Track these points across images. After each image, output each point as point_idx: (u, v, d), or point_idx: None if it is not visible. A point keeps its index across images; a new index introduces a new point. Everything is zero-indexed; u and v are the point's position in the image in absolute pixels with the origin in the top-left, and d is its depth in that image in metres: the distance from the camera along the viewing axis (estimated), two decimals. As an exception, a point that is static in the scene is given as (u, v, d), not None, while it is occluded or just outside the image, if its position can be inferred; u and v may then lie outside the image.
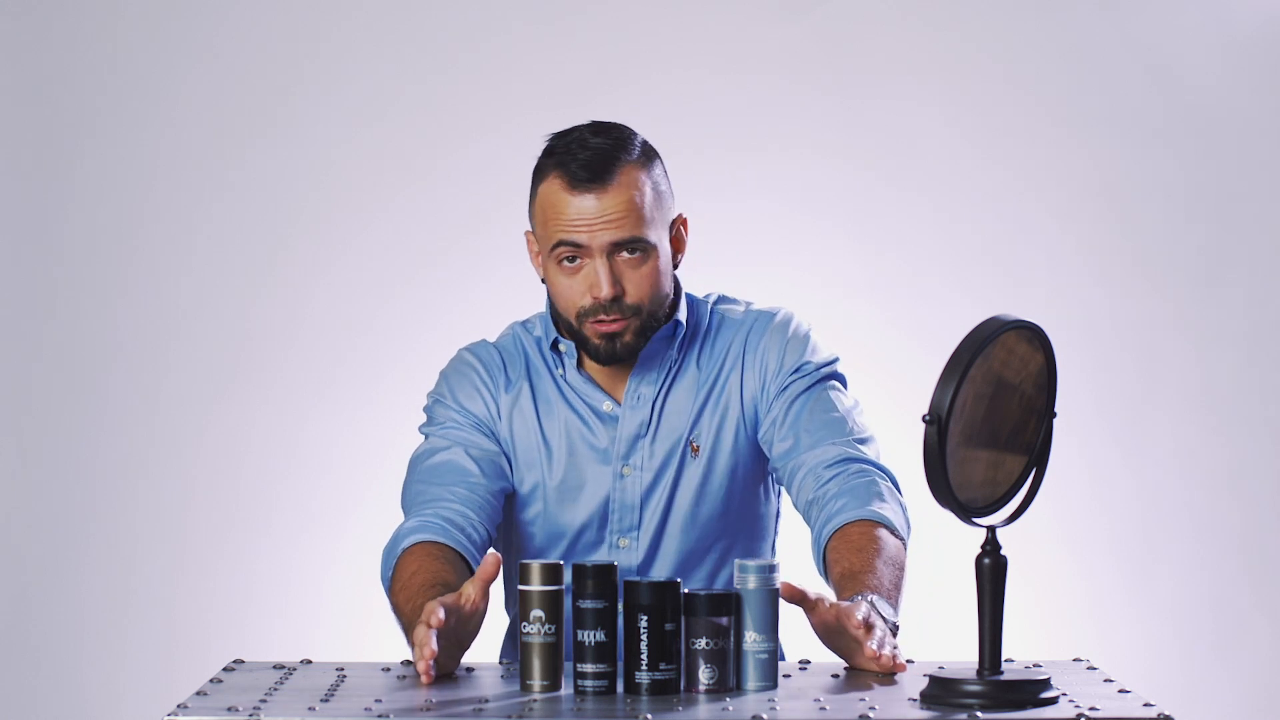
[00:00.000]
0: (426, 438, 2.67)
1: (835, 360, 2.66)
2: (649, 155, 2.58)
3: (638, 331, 2.57)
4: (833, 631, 2.24)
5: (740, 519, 2.66)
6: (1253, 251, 4.35)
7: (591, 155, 2.53)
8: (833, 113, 4.33)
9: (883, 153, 4.33)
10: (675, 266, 2.63)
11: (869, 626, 2.21)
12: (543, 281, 2.63)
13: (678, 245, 2.62)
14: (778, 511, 2.73)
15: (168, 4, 4.31)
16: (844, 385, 2.66)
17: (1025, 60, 4.33)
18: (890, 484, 2.53)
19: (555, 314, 2.62)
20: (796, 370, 2.62)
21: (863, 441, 2.58)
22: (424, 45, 4.33)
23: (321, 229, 4.33)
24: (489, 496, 2.58)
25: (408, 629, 2.36)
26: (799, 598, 2.20)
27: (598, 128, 2.57)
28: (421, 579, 2.40)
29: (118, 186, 4.32)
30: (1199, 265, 4.34)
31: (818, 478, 2.53)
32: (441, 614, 2.17)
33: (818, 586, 2.36)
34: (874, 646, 2.20)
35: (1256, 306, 4.34)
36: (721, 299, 2.71)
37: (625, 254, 2.54)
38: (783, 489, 2.70)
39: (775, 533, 2.73)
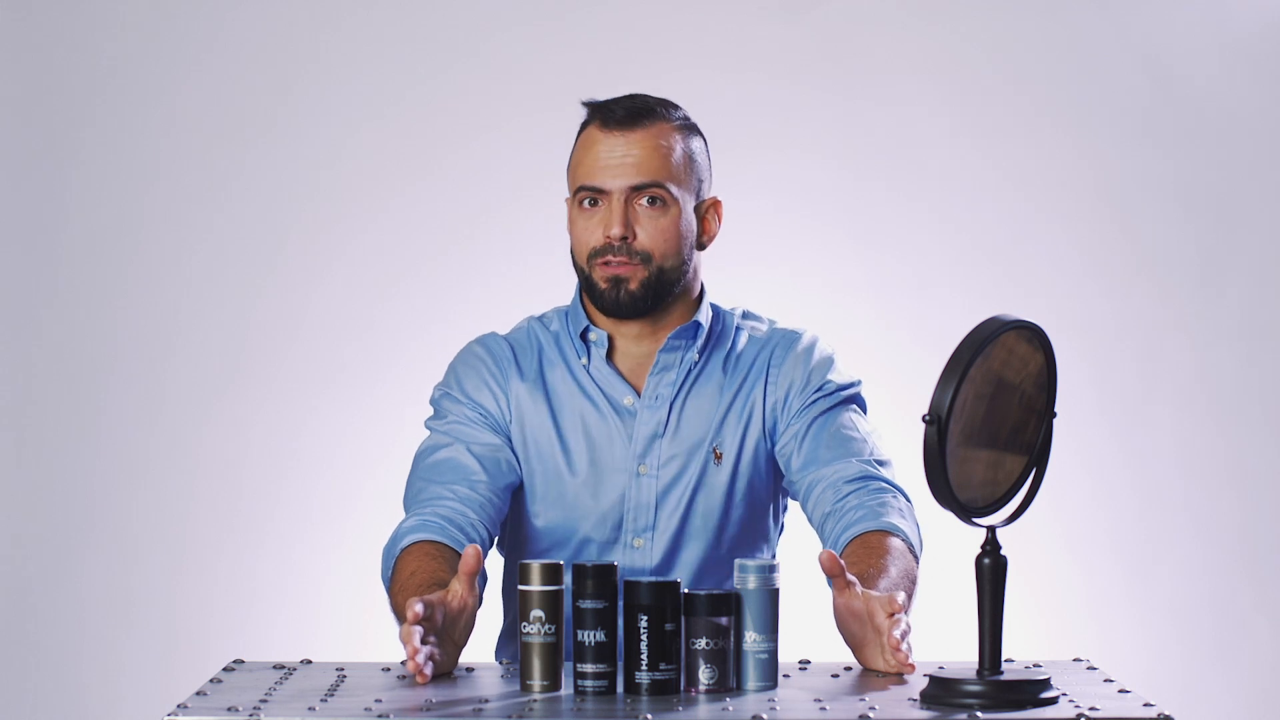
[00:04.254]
0: (431, 433, 2.66)
1: (858, 384, 2.67)
2: (690, 127, 2.64)
3: (645, 283, 2.57)
4: (853, 617, 2.24)
5: (754, 530, 2.67)
6: (1252, 251, 4.35)
7: (632, 103, 2.61)
8: (833, 113, 4.33)
9: (882, 152, 4.33)
10: (702, 248, 2.64)
11: (897, 619, 2.21)
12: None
13: (707, 227, 2.64)
14: (781, 526, 2.74)
15: (167, 4, 4.31)
16: (864, 410, 2.67)
17: (1025, 60, 4.33)
18: (906, 504, 2.55)
19: (575, 269, 2.62)
20: (819, 390, 2.63)
21: (882, 463, 2.60)
22: (424, 45, 4.33)
23: (321, 229, 4.33)
24: (490, 495, 2.58)
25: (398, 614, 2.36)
26: (837, 571, 2.21)
27: (649, 95, 2.64)
28: (420, 579, 2.39)
29: (118, 187, 4.32)
30: (1199, 265, 4.35)
31: (837, 491, 2.54)
32: (419, 608, 2.17)
33: (825, 594, 2.36)
34: (897, 635, 2.20)
35: (1256, 306, 4.35)
36: (746, 314, 2.72)
37: (644, 203, 2.56)
38: (793, 503, 2.71)
39: (775, 552, 2.74)
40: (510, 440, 2.64)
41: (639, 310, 2.59)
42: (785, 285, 4.25)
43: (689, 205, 2.60)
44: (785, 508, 2.73)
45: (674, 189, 2.57)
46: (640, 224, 2.56)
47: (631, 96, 2.62)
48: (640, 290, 2.58)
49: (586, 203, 2.58)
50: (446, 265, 4.32)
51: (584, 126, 2.63)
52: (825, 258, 4.33)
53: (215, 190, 4.32)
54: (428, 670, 2.18)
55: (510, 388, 2.65)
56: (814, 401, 2.62)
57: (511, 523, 2.68)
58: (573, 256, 2.62)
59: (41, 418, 4.32)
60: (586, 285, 2.60)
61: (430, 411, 2.69)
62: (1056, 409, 2.08)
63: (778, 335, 2.68)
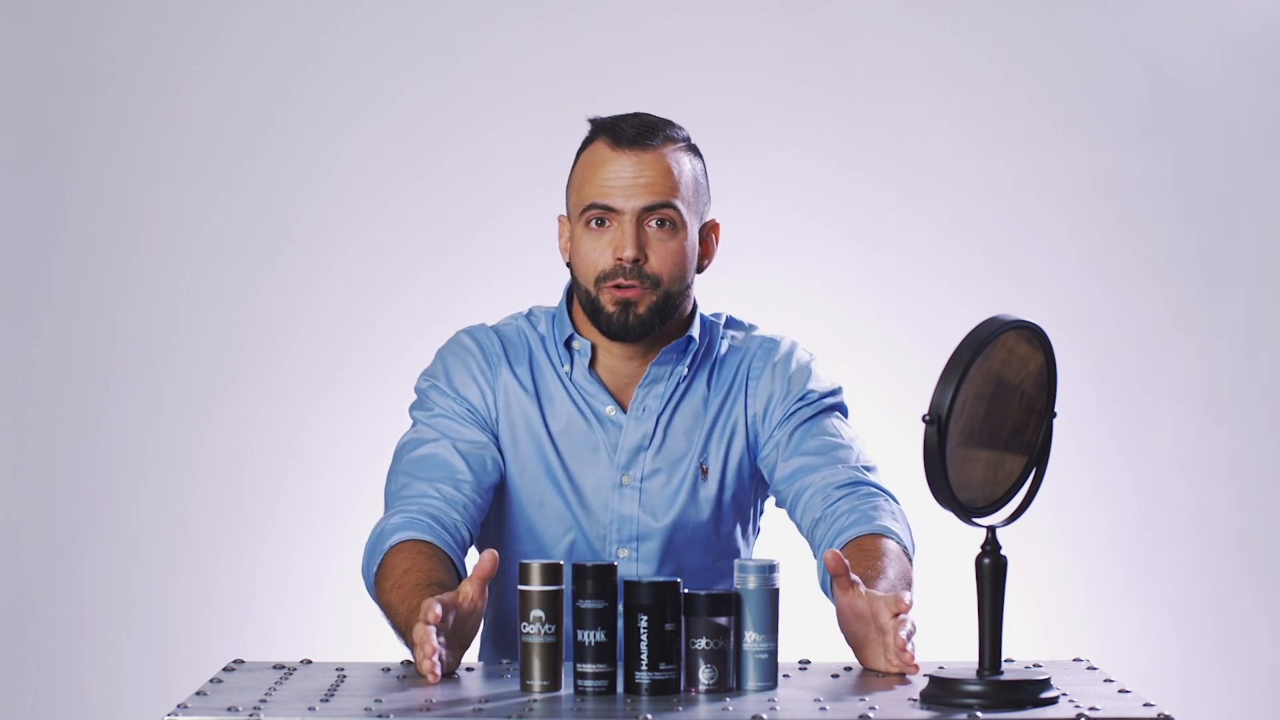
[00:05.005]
0: (415, 424, 2.64)
1: (838, 390, 2.66)
2: (694, 149, 2.62)
3: (653, 307, 2.56)
4: (856, 617, 2.23)
5: (735, 541, 2.67)
6: (1253, 251, 4.35)
7: (639, 122, 2.57)
8: (833, 113, 4.33)
9: (882, 152, 4.33)
10: (700, 270, 2.63)
11: (902, 619, 2.21)
12: (567, 265, 2.62)
13: (706, 249, 2.63)
14: (757, 531, 2.74)
15: (167, 4, 4.31)
16: (846, 415, 2.66)
17: (1025, 60, 4.33)
18: (898, 508, 2.54)
19: (574, 287, 2.60)
20: (800, 399, 2.62)
21: (870, 469, 2.59)
22: (424, 45, 4.33)
23: (321, 229, 4.33)
24: (474, 495, 2.56)
25: (404, 627, 2.34)
26: (841, 570, 2.20)
27: (652, 113, 2.61)
28: (416, 577, 2.38)
29: (118, 186, 4.32)
30: (1199, 265, 4.35)
31: (826, 497, 2.54)
32: (439, 609, 2.16)
33: (822, 600, 2.36)
34: (903, 636, 2.20)
35: (1256, 305, 4.35)
36: (730, 321, 2.71)
37: (654, 225, 2.55)
38: (773, 509, 2.71)
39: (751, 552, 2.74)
40: (497, 438, 2.63)
41: (645, 334, 2.57)
42: (785, 285, 4.25)
43: (694, 228, 2.59)
44: (761, 512, 2.73)
45: (683, 210, 2.56)
46: (651, 247, 2.55)
47: (638, 115, 2.59)
48: (648, 314, 2.56)
49: (594, 223, 2.56)
50: (446, 265, 4.32)
51: (587, 144, 2.60)
52: (825, 258, 4.33)
53: (215, 190, 4.32)
54: (439, 670, 2.18)
55: (499, 384, 2.63)
56: (795, 411, 2.62)
57: (494, 521, 2.67)
58: (573, 276, 2.60)
59: (41, 418, 4.32)
60: (591, 307, 2.57)
61: (414, 399, 2.67)
62: (1056, 409, 2.08)
63: (755, 344, 2.67)
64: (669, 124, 2.59)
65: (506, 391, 2.63)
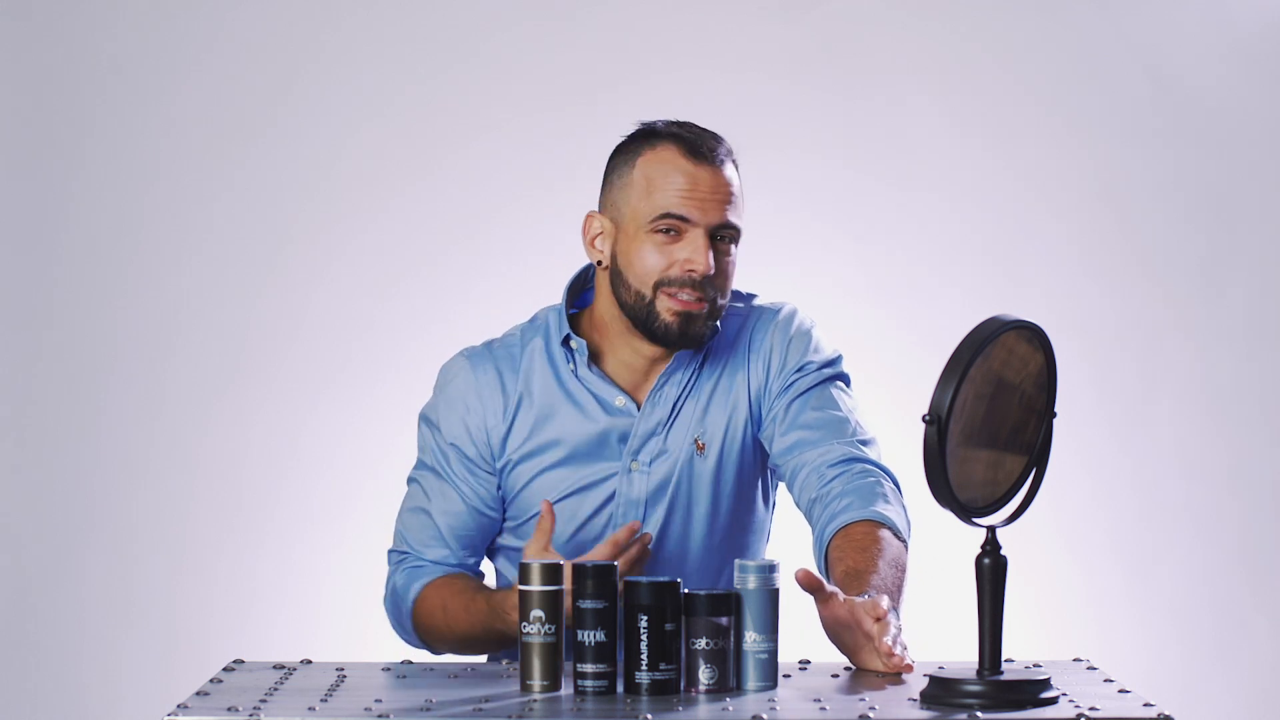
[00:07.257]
0: (421, 479, 2.67)
1: (838, 358, 2.66)
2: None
3: (712, 317, 2.57)
4: (841, 626, 2.23)
5: (743, 516, 2.66)
6: (1253, 251, 4.35)
7: (704, 133, 2.58)
8: (833, 113, 4.33)
9: (883, 153, 4.33)
10: None
11: (884, 623, 2.20)
12: (598, 264, 2.60)
13: None
14: (773, 504, 2.73)
15: (167, 4, 4.31)
16: (847, 384, 2.66)
17: (1025, 60, 4.33)
18: (893, 486, 2.54)
19: (619, 288, 2.57)
20: (800, 369, 2.62)
21: (865, 443, 2.58)
22: (424, 45, 4.33)
23: (321, 229, 4.33)
24: (477, 561, 2.67)
25: (493, 612, 2.47)
26: (816, 586, 2.20)
27: (696, 124, 2.61)
28: (461, 584, 2.49)
29: (118, 186, 4.31)
30: (1199, 265, 4.35)
31: (821, 476, 2.53)
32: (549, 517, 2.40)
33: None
34: (888, 641, 2.20)
35: (1256, 306, 4.35)
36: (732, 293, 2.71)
37: (721, 239, 2.55)
38: (781, 485, 2.71)
39: (769, 531, 2.73)
40: (501, 465, 2.63)
41: (702, 343, 2.58)
42: (785, 285, 4.22)
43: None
44: (775, 485, 2.72)
45: (739, 225, 2.58)
46: (717, 260, 2.55)
47: (697, 126, 2.58)
48: (703, 326, 2.56)
49: (664, 232, 2.53)
50: (446, 265, 4.32)
51: (648, 146, 2.57)
52: (825, 257, 4.33)
53: (215, 190, 4.32)
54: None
55: (494, 416, 2.62)
56: (793, 382, 2.61)
57: (511, 522, 2.68)
58: (621, 276, 2.57)
59: (41, 418, 4.32)
60: (644, 311, 2.56)
61: (417, 432, 2.69)
62: (1056, 409, 2.08)
63: (756, 313, 2.68)
64: (720, 136, 2.60)
65: (508, 415, 2.62)
